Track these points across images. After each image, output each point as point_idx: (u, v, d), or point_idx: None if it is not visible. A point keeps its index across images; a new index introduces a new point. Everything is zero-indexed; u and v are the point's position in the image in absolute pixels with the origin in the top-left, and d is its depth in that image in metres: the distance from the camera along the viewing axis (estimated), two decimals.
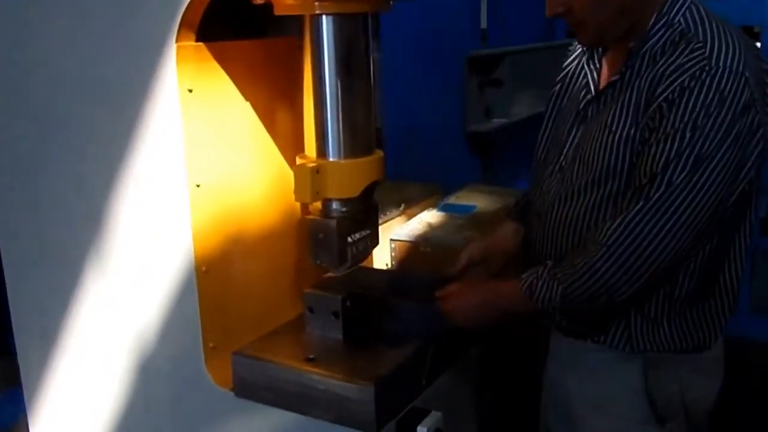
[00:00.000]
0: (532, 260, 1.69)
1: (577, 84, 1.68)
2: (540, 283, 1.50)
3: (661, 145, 1.39)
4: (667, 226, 1.39)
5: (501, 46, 4.07)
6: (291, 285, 1.73)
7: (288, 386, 1.44)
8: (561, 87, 1.75)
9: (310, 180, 1.42)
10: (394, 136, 3.22)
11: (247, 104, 1.58)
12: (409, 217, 2.59)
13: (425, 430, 1.40)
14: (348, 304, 1.52)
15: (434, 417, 1.43)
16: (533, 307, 1.52)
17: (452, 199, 2.98)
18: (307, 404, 1.43)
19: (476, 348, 1.70)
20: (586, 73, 1.65)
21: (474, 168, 3.65)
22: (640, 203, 1.40)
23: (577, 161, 1.58)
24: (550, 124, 1.76)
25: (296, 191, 1.44)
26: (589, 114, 1.61)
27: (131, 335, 1.61)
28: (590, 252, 1.45)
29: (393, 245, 2.38)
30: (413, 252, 2.36)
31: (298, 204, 1.74)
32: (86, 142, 1.57)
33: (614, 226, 1.42)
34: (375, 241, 1.58)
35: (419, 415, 1.43)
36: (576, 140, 1.62)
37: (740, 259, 1.57)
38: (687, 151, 1.37)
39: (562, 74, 1.76)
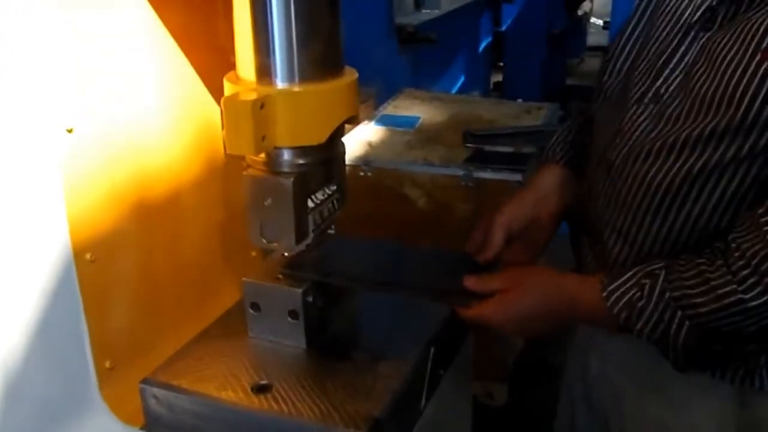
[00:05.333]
0: (590, 232, 1.19)
1: None
2: (649, 307, 1.00)
3: None
4: None
5: None
6: (219, 269, 1.23)
7: (228, 429, 0.97)
8: None
9: (251, 120, 0.89)
10: None
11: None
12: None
13: None
14: (310, 299, 1.04)
15: None
16: (627, 330, 1.03)
17: (389, 109, 2.50)
18: None
19: (472, 337, 1.24)
20: None
21: (403, 68, 3.13)
22: None
23: (693, 95, 1.03)
24: (642, 21, 1.18)
25: (229, 138, 0.91)
26: (720, 17, 1.04)
27: None
28: (739, 277, 0.95)
29: None
30: (350, 178, 1.90)
31: (221, 149, 1.22)
32: None
33: None
34: (343, 201, 1.09)
35: None
36: (690, 58, 1.06)
37: None
38: None
39: None
